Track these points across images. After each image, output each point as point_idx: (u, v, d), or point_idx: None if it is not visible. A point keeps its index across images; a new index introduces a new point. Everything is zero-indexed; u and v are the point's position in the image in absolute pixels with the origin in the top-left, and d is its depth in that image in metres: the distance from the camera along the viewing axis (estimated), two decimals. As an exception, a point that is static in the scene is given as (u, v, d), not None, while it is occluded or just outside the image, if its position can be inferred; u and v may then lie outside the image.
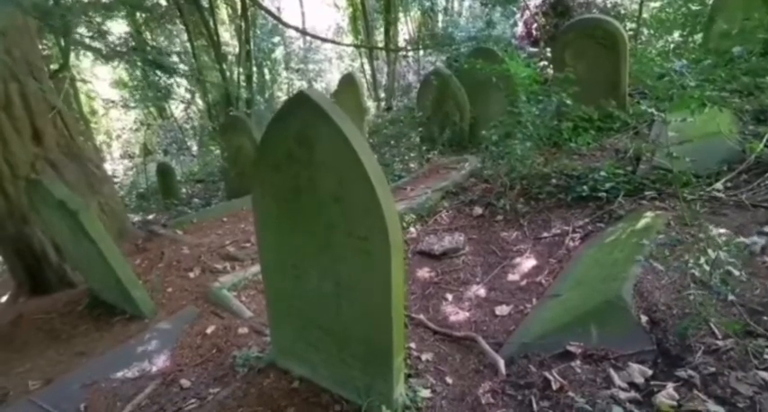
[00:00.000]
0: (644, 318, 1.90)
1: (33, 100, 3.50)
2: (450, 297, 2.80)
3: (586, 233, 3.08)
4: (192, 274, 3.44)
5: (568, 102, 3.71)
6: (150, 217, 6.95)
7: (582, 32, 4.50)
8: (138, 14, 11.04)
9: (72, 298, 3.55)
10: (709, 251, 1.80)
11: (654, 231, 2.51)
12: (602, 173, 3.44)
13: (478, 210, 3.83)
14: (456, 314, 2.63)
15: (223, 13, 13.07)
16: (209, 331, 2.72)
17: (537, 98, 4.16)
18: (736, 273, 1.74)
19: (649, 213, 2.79)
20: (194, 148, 13.11)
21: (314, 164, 1.66)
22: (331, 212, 1.69)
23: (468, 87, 5.48)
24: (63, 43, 7.72)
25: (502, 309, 2.56)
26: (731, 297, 1.75)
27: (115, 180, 11.41)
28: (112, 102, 11.31)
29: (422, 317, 2.57)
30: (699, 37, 6.76)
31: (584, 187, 3.43)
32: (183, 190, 8.77)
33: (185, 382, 2.28)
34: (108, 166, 13.93)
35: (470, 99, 5.52)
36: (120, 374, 2.44)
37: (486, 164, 4.48)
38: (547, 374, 1.82)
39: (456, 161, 5.07)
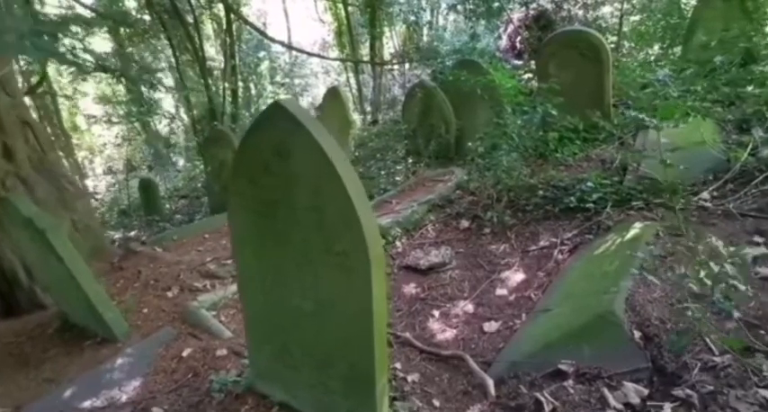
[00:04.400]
0: (637, 334, 1.82)
1: (4, 114, 3.37)
2: (436, 313, 2.71)
3: (575, 245, 3.02)
4: (169, 294, 3.30)
5: (554, 112, 3.69)
6: (132, 234, 6.77)
7: (566, 44, 4.52)
8: (122, 30, 10.97)
9: (43, 320, 3.39)
10: (711, 264, 1.73)
11: (643, 242, 2.46)
12: (590, 183, 3.40)
13: (465, 223, 3.76)
14: (443, 331, 2.53)
15: (208, 28, 13.05)
16: (185, 354, 2.59)
17: (522, 109, 4.14)
18: (742, 287, 1.67)
19: (638, 224, 2.74)
20: (180, 164, 12.95)
21: (290, 176, 1.58)
22: (309, 227, 1.61)
23: (453, 99, 5.46)
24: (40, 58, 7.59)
25: (490, 326, 2.48)
26: (737, 314, 1.67)
27: (97, 196, 11.19)
28: (93, 116, 11.13)
29: (408, 335, 2.47)
30: (678, 49, 6.88)
31: (572, 198, 3.38)
32: (168, 206, 8.59)
33: (157, 411, 2.14)
34: (90, 182, 13.69)
35: (456, 111, 5.49)
36: (87, 403, 2.30)
37: (472, 176, 4.43)
38: (538, 395, 1.74)
39: (442, 174, 5.02)
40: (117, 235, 6.80)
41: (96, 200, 10.05)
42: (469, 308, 2.70)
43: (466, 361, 2.14)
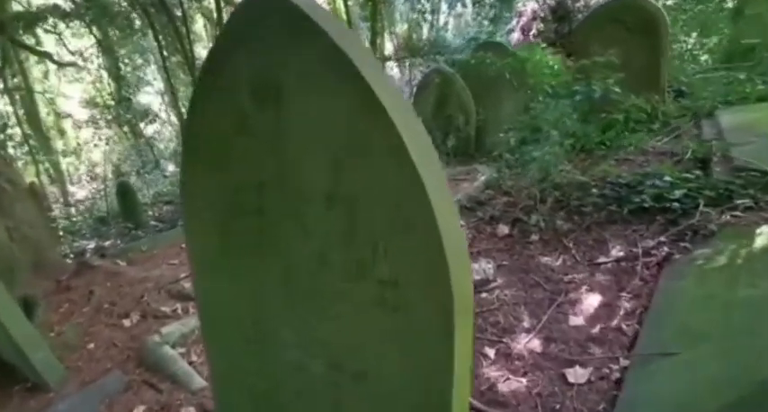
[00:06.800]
0: None
1: None
2: (491, 352, 1.95)
3: (664, 256, 2.28)
4: (127, 322, 2.52)
5: (617, 89, 2.96)
6: (107, 243, 5.98)
7: (613, 17, 3.82)
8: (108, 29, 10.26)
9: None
10: None
11: (793, 254, 1.73)
12: (667, 177, 2.68)
13: (504, 229, 3.02)
14: (506, 380, 1.78)
15: (199, 26, 12.38)
16: (136, 415, 1.82)
17: (572, 90, 3.37)
18: None
19: (766, 228, 2.01)
20: (170, 169, 12.16)
21: (286, 137, 0.84)
22: (322, 228, 0.86)
23: (472, 87, 4.74)
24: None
25: (576, 374, 1.72)
26: None
27: (76, 201, 10.36)
28: (69, 115, 10.38)
29: (457, 388, 1.71)
30: (714, 38, 6.25)
31: (645, 197, 2.66)
32: (150, 212, 7.81)
33: None
34: (73, 188, 12.86)
35: (476, 100, 4.78)
36: None
37: (503, 173, 3.70)
38: None
39: (464, 172, 4.29)
40: (90, 245, 6.01)
41: (72, 205, 9.28)
42: (536, 344, 1.95)
43: (558, 438, 1.39)
